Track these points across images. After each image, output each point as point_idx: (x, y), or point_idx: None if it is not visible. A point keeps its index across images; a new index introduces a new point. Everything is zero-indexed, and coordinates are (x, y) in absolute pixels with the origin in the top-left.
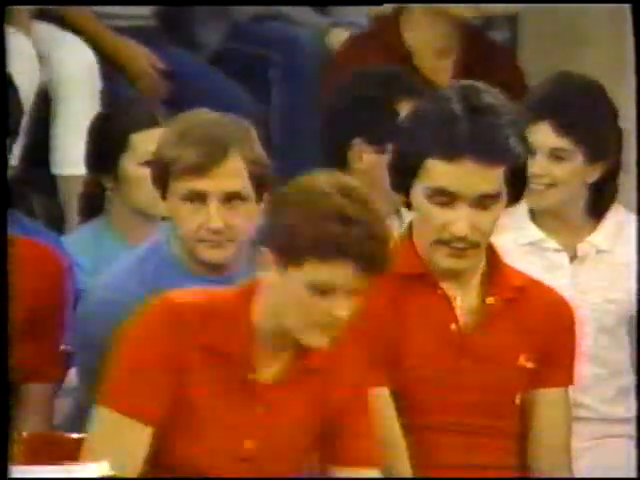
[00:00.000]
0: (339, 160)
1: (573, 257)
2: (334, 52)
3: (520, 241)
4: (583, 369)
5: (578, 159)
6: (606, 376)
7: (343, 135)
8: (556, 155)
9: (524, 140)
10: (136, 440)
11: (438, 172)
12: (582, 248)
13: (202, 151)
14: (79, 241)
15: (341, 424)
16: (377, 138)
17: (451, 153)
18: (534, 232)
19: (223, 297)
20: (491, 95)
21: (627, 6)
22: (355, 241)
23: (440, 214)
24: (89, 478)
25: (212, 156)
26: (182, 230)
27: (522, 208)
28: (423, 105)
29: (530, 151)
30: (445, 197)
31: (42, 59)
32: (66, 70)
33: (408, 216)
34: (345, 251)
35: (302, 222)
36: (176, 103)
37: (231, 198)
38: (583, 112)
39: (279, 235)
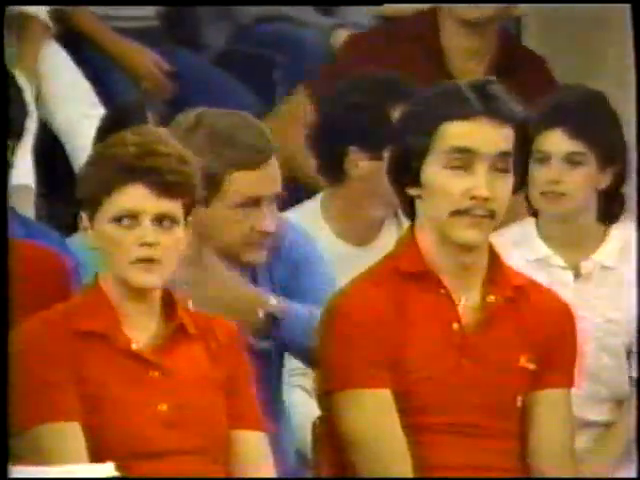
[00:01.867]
0: (335, 167)
1: (577, 274)
2: (354, 39)
3: (528, 257)
4: (583, 387)
5: (591, 164)
6: (605, 395)
7: (339, 142)
8: (571, 160)
9: (525, 112)
10: (72, 438)
11: (457, 132)
12: (585, 266)
13: (251, 155)
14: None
15: (231, 390)
16: (373, 145)
17: (467, 112)
18: (541, 248)
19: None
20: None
21: (627, 6)
22: (133, 157)
23: (459, 182)
24: (94, 478)
25: (258, 161)
26: (227, 236)
27: (530, 224)
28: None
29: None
30: (464, 159)
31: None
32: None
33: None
34: (127, 170)
35: (90, 165)
36: (180, 104)
37: (277, 201)
38: (592, 117)
39: (80, 191)
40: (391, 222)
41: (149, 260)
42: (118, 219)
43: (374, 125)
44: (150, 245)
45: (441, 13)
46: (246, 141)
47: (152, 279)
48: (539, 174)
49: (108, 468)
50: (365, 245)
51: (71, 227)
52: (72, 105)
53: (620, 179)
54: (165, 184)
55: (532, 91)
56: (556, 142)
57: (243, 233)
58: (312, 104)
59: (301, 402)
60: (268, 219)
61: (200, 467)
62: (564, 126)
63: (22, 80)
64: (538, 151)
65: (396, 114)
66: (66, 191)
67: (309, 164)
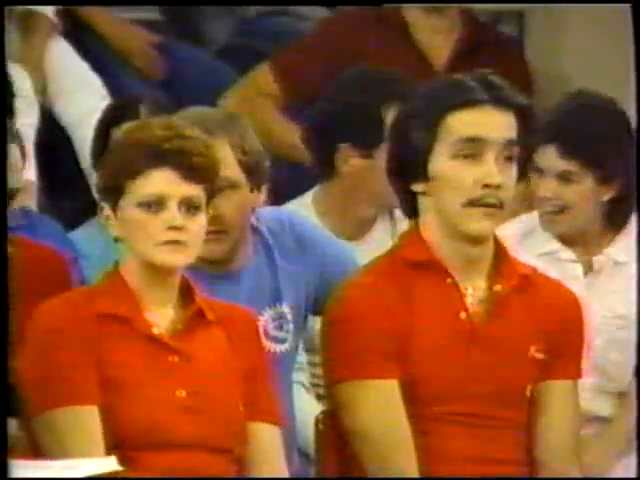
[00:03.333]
0: (326, 163)
1: (589, 269)
2: (322, 20)
3: (537, 250)
4: (590, 380)
5: (588, 181)
6: (612, 389)
7: (330, 139)
8: (564, 177)
9: (526, 99)
10: (89, 422)
11: (464, 122)
12: (599, 260)
13: None
14: (87, 233)
15: (250, 380)
16: (363, 143)
17: (472, 100)
18: (550, 242)
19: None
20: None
21: (628, 6)
22: (161, 140)
23: (470, 171)
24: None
25: None
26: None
27: (537, 217)
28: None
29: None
30: (473, 148)
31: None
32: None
33: (402, 223)
34: (154, 154)
35: (113, 153)
36: (181, 99)
37: (220, 186)
38: (589, 136)
39: (101, 180)
40: (384, 218)
41: (176, 242)
42: (144, 204)
43: (364, 123)
44: (177, 229)
45: None
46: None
47: (178, 259)
48: (537, 189)
49: (111, 463)
50: (357, 240)
51: (73, 221)
52: (82, 98)
53: (626, 189)
54: (192, 167)
55: (501, 70)
56: (549, 159)
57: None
58: (276, 81)
59: (299, 398)
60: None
61: (214, 463)
62: (557, 143)
63: (18, 71)
64: (536, 165)
65: (391, 112)
66: (68, 186)
67: (287, 135)
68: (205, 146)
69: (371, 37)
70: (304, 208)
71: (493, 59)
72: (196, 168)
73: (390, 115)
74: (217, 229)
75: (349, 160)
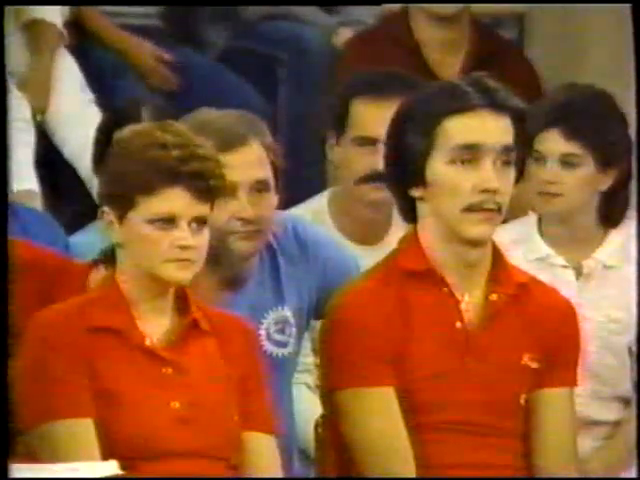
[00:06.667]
0: (322, 151)
1: (579, 273)
2: (342, 48)
3: (528, 256)
4: (585, 386)
5: (589, 165)
6: (607, 394)
7: (321, 127)
8: (567, 161)
9: (521, 103)
10: (84, 435)
11: (460, 128)
12: (588, 264)
13: (220, 141)
14: (88, 238)
15: (244, 390)
16: (337, 133)
17: (468, 106)
18: (542, 247)
19: (90, 289)
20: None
21: (627, 6)
22: (178, 162)
23: (468, 176)
24: (98, 477)
25: (232, 144)
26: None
27: (531, 222)
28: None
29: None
30: (470, 154)
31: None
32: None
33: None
34: (170, 174)
35: (124, 163)
36: (182, 102)
37: (259, 187)
38: (591, 117)
39: (108, 186)
40: (399, 224)
41: (183, 260)
42: (155, 220)
43: (337, 113)
44: (187, 247)
45: (411, 10)
46: (219, 126)
47: (185, 275)
48: (536, 173)
49: (111, 466)
50: (371, 245)
51: (73, 227)
52: (83, 130)
53: (623, 181)
54: (207, 189)
55: (512, 80)
56: (552, 143)
57: (222, 219)
58: None
59: (305, 399)
60: (246, 206)
61: (211, 470)
62: (561, 126)
63: (18, 97)
64: (535, 150)
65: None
66: (69, 193)
67: None
68: (218, 166)
69: (386, 61)
70: (319, 209)
71: (502, 70)
72: (211, 189)
73: (354, 108)
74: (257, 229)
75: (333, 148)
